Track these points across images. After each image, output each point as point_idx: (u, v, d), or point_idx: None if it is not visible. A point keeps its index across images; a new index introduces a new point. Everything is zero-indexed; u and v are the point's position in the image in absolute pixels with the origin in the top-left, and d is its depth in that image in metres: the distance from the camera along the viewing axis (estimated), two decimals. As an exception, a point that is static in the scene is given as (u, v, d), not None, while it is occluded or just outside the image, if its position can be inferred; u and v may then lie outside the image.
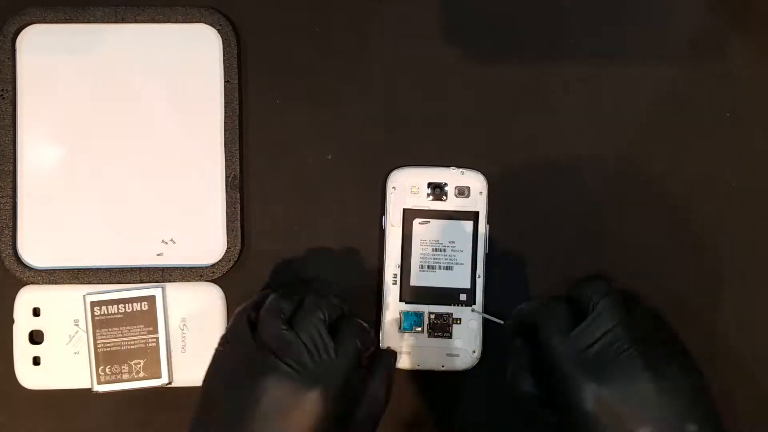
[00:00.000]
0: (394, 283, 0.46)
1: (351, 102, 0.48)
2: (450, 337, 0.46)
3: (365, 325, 0.41)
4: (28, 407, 0.47)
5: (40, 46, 0.47)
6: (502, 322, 0.44)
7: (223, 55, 0.47)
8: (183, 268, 0.47)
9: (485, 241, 0.46)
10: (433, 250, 0.46)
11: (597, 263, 0.47)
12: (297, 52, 0.48)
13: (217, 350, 0.40)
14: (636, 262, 0.47)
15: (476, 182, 0.47)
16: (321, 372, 0.37)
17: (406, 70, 0.48)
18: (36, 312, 0.46)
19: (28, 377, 0.46)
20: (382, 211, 0.47)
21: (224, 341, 0.40)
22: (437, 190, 0.46)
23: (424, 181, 0.47)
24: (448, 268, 0.46)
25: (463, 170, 0.47)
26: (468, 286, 0.46)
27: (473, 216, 0.46)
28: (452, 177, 0.47)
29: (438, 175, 0.47)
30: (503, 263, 0.47)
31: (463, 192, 0.46)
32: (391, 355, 0.43)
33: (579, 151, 0.48)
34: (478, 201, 0.46)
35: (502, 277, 0.47)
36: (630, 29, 0.48)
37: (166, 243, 0.47)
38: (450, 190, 0.47)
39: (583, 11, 0.48)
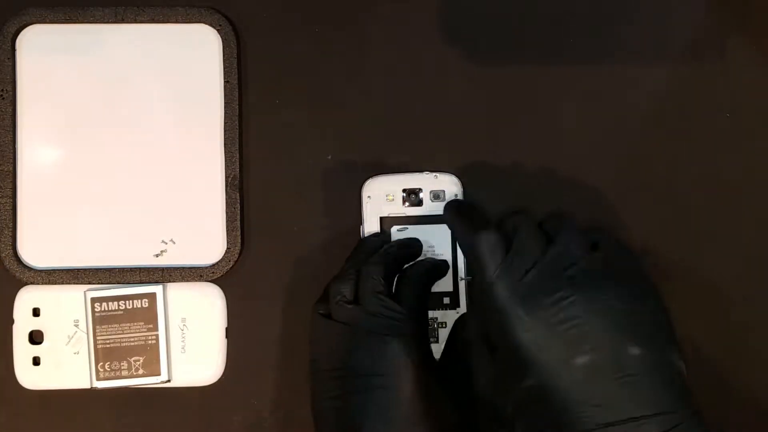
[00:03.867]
0: None
1: (351, 102, 0.48)
2: (437, 341, 0.46)
3: (423, 264, 0.44)
4: (28, 407, 0.47)
5: (40, 46, 0.47)
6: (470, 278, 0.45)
7: (223, 56, 0.47)
8: (183, 268, 0.47)
9: None
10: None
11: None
12: (297, 52, 0.48)
13: (310, 359, 0.42)
14: (636, 262, 0.47)
15: (450, 185, 0.46)
16: (395, 326, 0.40)
17: (406, 70, 0.48)
18: (36, 312, 0.46)
19: (28, 377, 0.46)
20: (360, 221, 0.47)
21: (313, 346, 0.42)
22: (412, 196, 0.46)
23: (398, 188, 0.46)
24: None
25: (437, 174, 0.47)
26: (451, 289, 0.46)
27: None
28: (426, 182, 0.46)
29: (412, 181, 0.47)
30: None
31: (438, 196, 0.46)
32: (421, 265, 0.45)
33: (578, 151, 0.48)
34: None
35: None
36: (630, 29, 0.48)
37: (166, 243, 0.47)
38: (425, 195, 0.46)
39: (583, 11, 0.48)
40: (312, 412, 0.41)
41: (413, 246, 0.45)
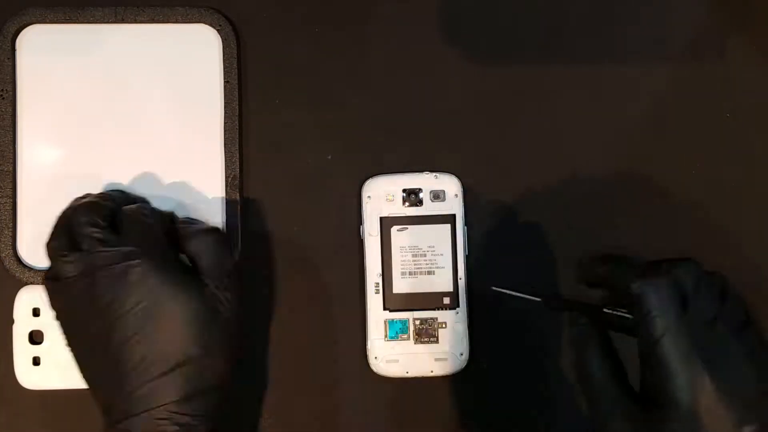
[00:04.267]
0: (376, 292, 0.46)
1: (351, 102, 0.48)
2: (437, 341, 0.46)
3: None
4: (28, 407, 0.47)
5: (40, 46, 0.47)
6: (539, 299, 0.43)
7: (223, 56, 0.47)
8: (183, 268, 0.46)
9: (464, 243, 0.46)
10: (413, 256, 0.46)
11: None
12: (297, 52, 0.48)
13: (65, 331, 0.41)
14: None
15: (450, 185, 0.47)
16: (131, 253, 0.38)
17: (406, 70, 0.48)
18: (36, 312, 0.46)
19: (28, 377, 0.46)
20: (359, 221, 0.47)
21: (62, 315, 0.41)
22: (412, 196, 0.46)
23: (398, 188, 0.47)
24: (429, 272, 0.46)
25: (437, 174, 0.47)
26: (451, 289, 0.46)
27: (450, 219, 0.46)
28: (426, 182, 0.47)
29: (412, 181, 0.47)
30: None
31: (438, 196, 0.46)
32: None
33: (578, 151, 0.48)
34: (453, 204, 0.46)
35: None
36: (630, 29, 0.48)
37: (166, 243, 0.47)
38: (425, 195, 0.46)
39: (583, 11, 0.48)
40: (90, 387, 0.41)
41: (129, 194, 0.44)
